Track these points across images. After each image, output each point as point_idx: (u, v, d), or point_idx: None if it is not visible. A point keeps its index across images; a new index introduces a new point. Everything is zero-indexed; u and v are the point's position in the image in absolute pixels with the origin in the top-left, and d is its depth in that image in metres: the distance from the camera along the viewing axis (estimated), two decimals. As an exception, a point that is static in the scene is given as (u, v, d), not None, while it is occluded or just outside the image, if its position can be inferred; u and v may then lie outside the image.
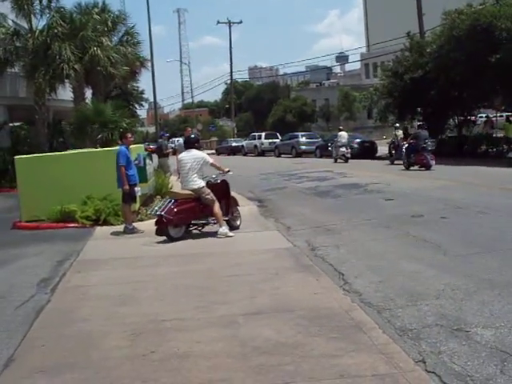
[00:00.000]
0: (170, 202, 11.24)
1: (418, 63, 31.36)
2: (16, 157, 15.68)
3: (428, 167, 23.39)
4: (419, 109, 34.12)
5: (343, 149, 32.41)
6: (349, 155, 32.21)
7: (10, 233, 13.76)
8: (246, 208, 15.30)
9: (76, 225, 13.55)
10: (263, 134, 52.48)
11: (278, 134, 51.87)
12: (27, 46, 27.37)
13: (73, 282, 8.51)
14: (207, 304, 6.84)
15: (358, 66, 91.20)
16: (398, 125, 31.30)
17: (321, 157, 38.75)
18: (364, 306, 6.47)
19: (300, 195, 17.73)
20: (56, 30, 26.36)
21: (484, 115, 41.31)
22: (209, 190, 11.42)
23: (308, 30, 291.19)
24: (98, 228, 13.25)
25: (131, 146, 13.12)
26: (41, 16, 28.19)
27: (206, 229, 11.65)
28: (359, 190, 17.75)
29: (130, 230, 12.24)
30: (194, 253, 9.96)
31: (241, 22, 68.85)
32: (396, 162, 27.22)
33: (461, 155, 28.89)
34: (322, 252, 9.40)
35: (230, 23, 66.07)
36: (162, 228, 11.09)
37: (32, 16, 27.89)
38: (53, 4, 27.91)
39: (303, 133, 48.18)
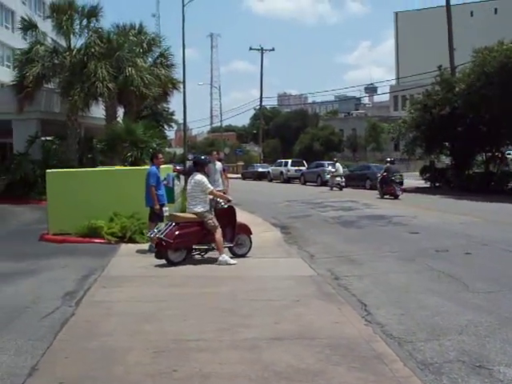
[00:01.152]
0: (171, 225, 11.00)
1: (448, 98, 31.37)
2: (47, 170, 15.96)
3: (396, 196, 26.79)
4: (447, 143, 34.03)
5: (338, 178, 36.54)
6: (343, 184, 36.24)
7: (37, 244, 13.99)
8: (270, 234, 15.42)
9: (102, 241, 13.73)
10: (290, 161, 52.54)
11: (304, 162, 51.95)
12: (64, 64, 27.99)
13: (97, 296, 8.63)
14: (230, 326, 6.89)
15: (386, 97, 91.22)
16: (388, 159, 32.05)
17: (346, 186, 38.68)
18: (386, 338, 6.47)
19: (324, 224, 17.74)
20: (93, 50, 26.97)
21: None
22: (212, 216, 11.27)
23: (339, 61, 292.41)
24: (124, 245, 13.41)
25: (161, 167, 13.29)
26: (79, 35, 28.91)
27: (210, 254, 11.48)
28: (384, 221, 17.72)
29: (154, 249, 12.33)
30: (218, 275, 10.02)
31: (273, 50, 69.08)
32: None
33: (488, 191, 28.66)
34: (344, 281, 9.42)
35: (262, 50, 66.64)
36: (161, 251, 10.93)
37: (71, 35, 28.55)
38: (92, 24, 28.60)
39: (330, 162, 48.19)
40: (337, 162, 38.95)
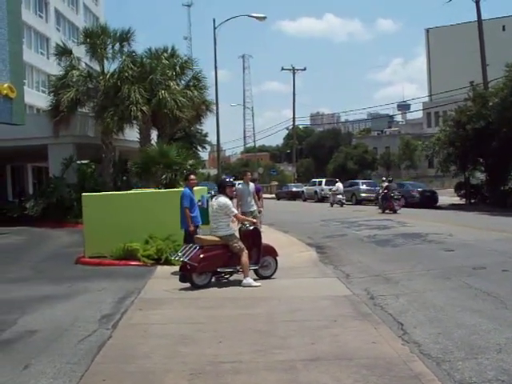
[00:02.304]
0: (195, 248, 10.87)
1: (481, 114, 31.15)
2: (83, 194, 16.18)
3: (394, 211, 29.79)
4: (481, 159, 33.70)
5: (339, 196, 39.89)
6: (344, 201, 39.72)
7: (74, 267, 14.20)
8: (306, 254, 15.42)
9: (137, 263, 13.84)
10: (324, 180, 52.52)
11: (391, 179, 51.78)
12: (98, 88, 28.50)
13: (134, 319, 8.70)
14: (266, 348, 6.88)
15: (419, 114, 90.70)
16: (384, 178, 35.68)
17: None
18: (423, 357, 6.40)
19: (359, 243, 17.64)
20: (126, 73, 27.44)
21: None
22: (237, 238, 11.21)
23: (370, 78, 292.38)
24: (159, 267, 13.50)
25: (195, 188, 13.37)
26: (112, 59, 29.46)
27: (234, 276, 11.37)
28: (419, 239, 17.54)
29: (179, 272, 12.34)
30: (253, 296, 10.02)
31: (304, 69, 69.39)
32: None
33: (524, 207, 28.33)
34: (380, 301, 9.35)
35: (293, 70, 66.91)
36: (186, 275, 10.91)
37: (104, 59, 29.08)
38: (125, 49, 29.14)
39: (363, 180, 48.08)
40: (337, 182, 42.78)
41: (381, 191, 32.55)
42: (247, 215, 14.87)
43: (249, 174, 17.48)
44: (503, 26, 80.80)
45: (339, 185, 41.46)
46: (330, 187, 48.77)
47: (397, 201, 30.74)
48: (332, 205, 39.26)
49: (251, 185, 16.57)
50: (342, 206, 38.85)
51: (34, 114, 43.09)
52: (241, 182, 16.62)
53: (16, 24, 21.67)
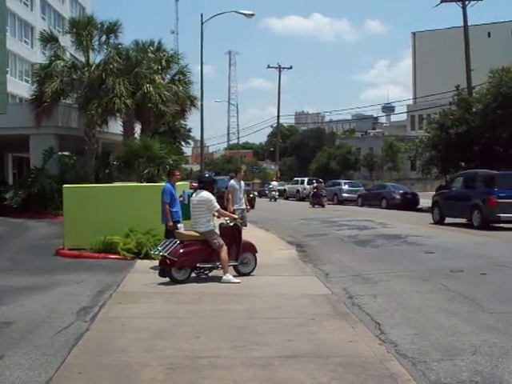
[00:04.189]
0: (175, 242, 10.84)
1: (464, 118, 31.41)
2: (64, 186, 16.07)
3: (323, 206, 37.58)
4: (463, 163, 33.95)
5: (274, 193, 49.56)
6: (277, 197, 49.65)
7: (52, 259, 14.12)
8: (286, 252, 15.46)
9: (117, 256, 13.80)
10: (306, 179, 52.66)
11: (321, 180, 52.00)
12: (83, 79, 28.34)
13: (112, 312, 8.68)
14: (244, 344, 6.89)
15: (403, 117, 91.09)
16: (314, 181, 46.32)
17: (362, 205, 38.72)
18: (399, 357, 6.44)
19: (340, 242, 17.72)
20: (112, 66, 27.30)
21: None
22: (217, 234, 11.16)
23: (356, 79, 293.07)
24: (139, 261, 13.47)
25: (177, 183, 13.31)
26: (98, 51, 29.28)
27: (214, 272, 11.35)
28: (399, 240, 17.65)
29: (158, 266, 12.30)
30: (232, 293, 10.02)
31: (290, 68, 69.49)
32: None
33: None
34: (359, 300, 9.39)
35: (280, 68, 66.90)
36: (165, 269, 10.87)
37: (90, 51, 28.88)
38: (111, 41, 28.96)
39: (346, 180, 48.30)
40: (274, 180, 55.94)
41: (311, 191, 41.31)
42: (237, 212, 14.90)
43: (243, 170, 17.44)
44: (488, 33, 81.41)
45: (274, 183, 53.03)
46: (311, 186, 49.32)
47: (324, 197, 38.78)
48: (270, 200, 48.71)
49: (242, 182, 16.55)
50: (275, 200, 48.33)
51: (16, 104, 42.64)
52: (225, 177, 16.55)
53: None
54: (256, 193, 54.85)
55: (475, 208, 21.81)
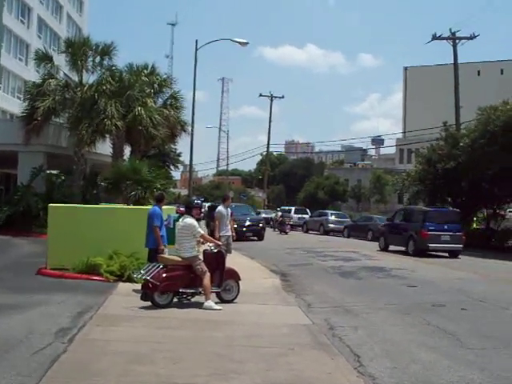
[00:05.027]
0: (158, 266, 10.80)
1: (452, 154, 31.66)
2: (50, 204, 16.02)
3: (286, 233, 39.80)
4: (449, 198, 34.16)
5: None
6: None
7: (34, 278, 13.99)
8: (269, 281, 15.44)
9: (100, 278, 13.70)
10: (293, 208, 52.74)
11: (307, 210, 52.09)
12: (75, 99, 28.39)
13: (91, 334, 8.61)
14: (222, 372, 6.86)
15: (392, 150, 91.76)
16: (278, 209, 50.18)
17: (348, 237, 38.74)
18: (377, 391, 6.44)
19: (324, 273, 17.71)
20: (104, 87, 27.40)
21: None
22: (200, 261, 11.15)
23: (347, 111, 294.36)
24: (121, 284, 13.39)
25: (163, 207, 13.30)
26: (92, 72, 29.40)
27: (196, 298, 11.29)
28: (383, 273, 17.69)
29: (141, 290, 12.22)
30: (213, 319, 9.99)
31: (282, 97, 69.39)
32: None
33: (488, 248, 28.85)
34: (339, 332, 9.38)
35: (271, 97, 67.17)
36: (147, 293, 10.82)
37: (84, 71, 29.00)
38: (105, 62, 29.08)
39: (333, 211, 48.42)
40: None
41: (277, 219, 44.13)
42: (223, 239, 14.93)
43: (230, 197, 17.55)
44: (478, 71, 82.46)
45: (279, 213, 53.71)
46: (299, 216, 49.36)
47: (287, 225, 41.47)
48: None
49: (229, 209, 16.60)
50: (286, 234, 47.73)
51: (6, 120, 42.66)
52: (221, 204, 16.62)
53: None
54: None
55: (410, 238, 25.64)
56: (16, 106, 41.36)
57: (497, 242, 30.38)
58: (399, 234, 27.00)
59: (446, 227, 24.94)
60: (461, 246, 25.04)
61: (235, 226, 28.40)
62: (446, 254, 24.97)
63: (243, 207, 38.81)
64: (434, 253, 25.06)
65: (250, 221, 32.52)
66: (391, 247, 27.36)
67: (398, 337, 9.19)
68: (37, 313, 9.95)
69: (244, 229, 30.93)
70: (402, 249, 26.17)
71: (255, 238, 31.95)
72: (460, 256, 24.67)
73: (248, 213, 34.87)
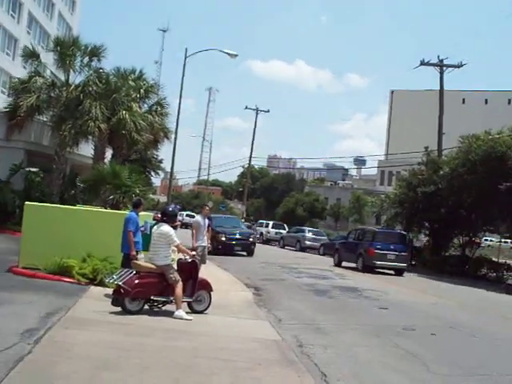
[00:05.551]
0: (131, 272, 10.76)
1: (432, 179, 31.99)
2: (26, 202, 15.87)
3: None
4: (427, 223, 34.40)
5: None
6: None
7: (5, 276, 13.77)
8: (242, 294, 15.40)
9: (71, 280, 13.56)
10: (271, 222, 52.75)
11: (285, 225, 52.13)
12: (60, 98, 28.21)
13: (58, 337, 8.50)
14: (187, 383, 6.81)
15: (374, 171, 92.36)
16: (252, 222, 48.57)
17: (324, 255, 38.77)
18: (341, 413, 6.43)
19: (297, 290, 17.71)
20: (90, 88, 27.26)
21: (489, 239, 41.72)
22: (174, 269, 11.11)
23: (332, 129, 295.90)
24: (93, 287, 13.26)
25: (140, 213, 13.26)
26: (79, 72, 29.18)
27: (167, 307, 11.22)
28: (355, 294, 17.75)
29: (111, 295, 12.13)
30: (183, 329, 9.93)
31: (268, 111, 69.58)
32: None
33: (462, 275, 29.11)
34: (308, 349, 9.37)
35: (257, 110, 67.31)
36: (118, 299, 10.74)
37: (71, 71, 28.82)
38: (93, 63, 28.89)
39: (310, 228, 48.52)
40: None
41: None
42: (198, 249, 14.95)
43: (207, 207, 17.51)
44: (463, 99, 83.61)
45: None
46: (276, 230, 49.36)
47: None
48: None
49: (207, 219, 16.60)
50: None
51: (-12, 115, 42.28)
52: (192, 213, 16.62)
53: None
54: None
55: (360, 256, 27.83)
56: (0, 100, 41.05)
57: (471, 270, 30.59)
58: (351, 252, 29.04)
59: (391, 247, 27.02)
60: (405, 264, 27.60)
61: (223, 238, 28.61)
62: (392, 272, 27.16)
63: (233, 219, 37.33)
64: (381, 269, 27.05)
65: (239, 234, 30.92)
66: (344, 263, 29.29)
67: (366, 358, 9.20)
68: (4, 311, 9.79)
69: (233, 242, 29.97)
70: (353, 265, 28.06)
71: (244, 252, 30.47)
72: (437, 281, 24.92)
73: (238, 226, 33.13)
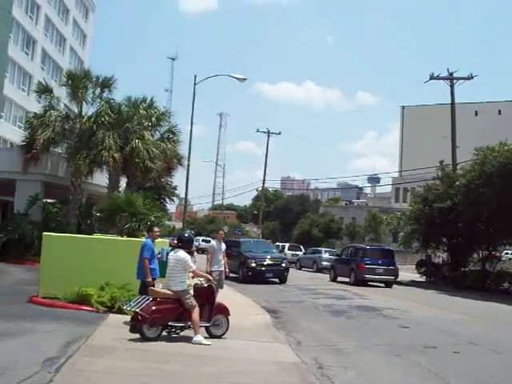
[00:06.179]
0: (148, 299, 10.83)
1: (448, 194, 31.79)
2: (44, 233, 16.04)
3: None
4: (444, 239, 34.16)
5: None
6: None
7: (25, 306, 13.93)
8: (260, 317, 15.35)
9: (90, 308, 13.64)
10: (287, 245, 52.68)
11: (301, 247, 52.00)
12: (74, 130, 28.69)
13: (78, 365, 8.54)
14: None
15: (388, 189, 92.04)
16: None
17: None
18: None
19: (315, 311, 17.65)
20: (103, 119, 27.69)
21: (510, 252, 41.19)
22: (190, 295, 11.12)
23: (344, 148, 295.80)
24: (111, 315, 13.31)
25: (157, 240, 13.35)
26: (91, 104, 29.69)
27: (185, 332, 11.20)
28: (375, 313, 17.63)
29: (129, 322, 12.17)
30: (202, 354, 9.93)
31: (279, 134, 69.55)
32: None
33: (483, 290, 28.71)
34: (328, 371, 9.31)
35: (268, 133, 67.47)
36: (136, 325, 10.75)
37: (83, 103, 29.31)
38: (104, 94, 29.39)
39: (327, 249, 48.36)
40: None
41: None
42: (214, 274, 14.95)
43: (222, 232, 17.43)
44: (476, 112, 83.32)
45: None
46: (293, 252, 49.22)
47: None
48: None
49: (223, 244, 16.58)
50: None
51: (6, 148, 42.82)
52: (207, 238, 16.63)
53: (1, 57, 21.79)
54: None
55: (352, 271, 30.25)
56: (16, 134, 41.55)
57: (492, 284, 30.18)
58: (345, 267, 31.66)
59: (380, 262, 29.77)
60: (393, 277, 30.05)
61: (253, 264, 27.77)
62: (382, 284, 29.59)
63: (263, 243, 34.13)
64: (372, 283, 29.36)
65: (270, 259, 28.07)
66: (339, 278, 31.64)
67: (387, 378, 9.14)
68: (25, 341, 9.88)
69: (263, 268, 27.52)
70: (347, 279, 30.34)
71: (276, 279, 28.13)
72: (457, 297, 24.70)
73: (269, 250, 30.17)
